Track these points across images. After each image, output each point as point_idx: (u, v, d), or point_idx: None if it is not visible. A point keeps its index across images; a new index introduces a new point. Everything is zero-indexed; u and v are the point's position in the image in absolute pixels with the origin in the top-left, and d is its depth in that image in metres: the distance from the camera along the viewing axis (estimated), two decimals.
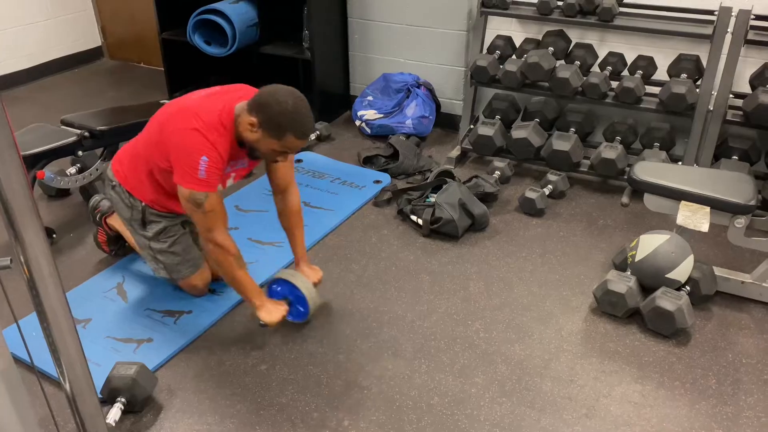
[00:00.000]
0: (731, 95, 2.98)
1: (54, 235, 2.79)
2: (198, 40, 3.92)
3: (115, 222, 2.58)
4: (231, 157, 2.06)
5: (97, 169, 2.97)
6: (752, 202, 2.23)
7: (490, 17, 3.45)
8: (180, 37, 4.09)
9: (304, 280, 2.24)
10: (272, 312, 2.16)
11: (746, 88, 3.03)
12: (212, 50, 3.91)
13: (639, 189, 2.43)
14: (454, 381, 2.08)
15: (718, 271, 2.44)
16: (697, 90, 2.99)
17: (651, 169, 2.44)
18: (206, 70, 4.49)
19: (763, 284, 2.39)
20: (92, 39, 5.23)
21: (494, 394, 2.02)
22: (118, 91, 4.67)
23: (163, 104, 3.29)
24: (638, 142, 3.25)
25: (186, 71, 4.42)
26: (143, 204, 2.26)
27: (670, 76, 3.10)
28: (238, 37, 3.76)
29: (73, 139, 2.76)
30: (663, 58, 3.18)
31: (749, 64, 3.06)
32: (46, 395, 1.39)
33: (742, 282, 2.42)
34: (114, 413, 1.86)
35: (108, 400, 1.91)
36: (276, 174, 2.26)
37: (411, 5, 3.71)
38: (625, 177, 3.05)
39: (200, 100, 2.06)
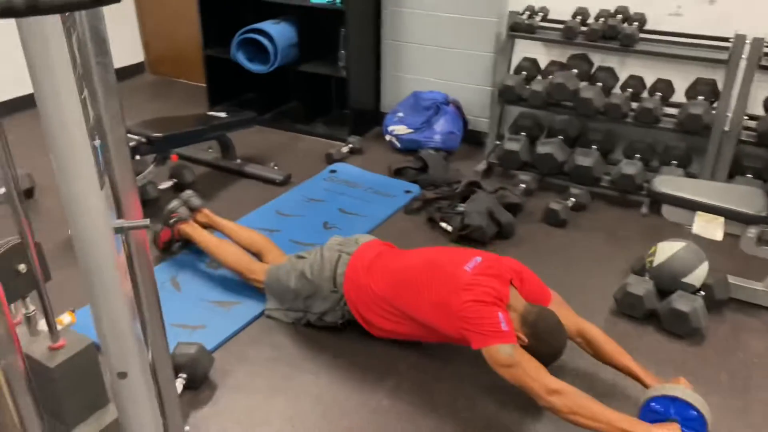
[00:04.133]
0: (746, 117, 3.17)
1: None
2: (241, 58, 4.17)
3: (189, 230, 2.76)
4: None
5: (149, 173, 3.20)
6: (763, 213, 2.40)
7: (516, 40, 3.68)
8: (221, 54, 4.35)
9: (695, 396, 1.88)
10: None
11: (760, 111, 3.21)
12: (255, 67, 4.16)
13: (658, 200, 2.61)
14: (481, 374, 2.26)
15: (733, 279, 2.61)
16: (713, 111, 3.18)
17: (670, 182, 2.63)
18: (245, 86, 4.75)
19: None
20: (135, 55, 5.54)
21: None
22: (159, 104, 4.92)
23: (211, 116, 3.57)
24: (656, 160, 3.43)
25: (226, 86, 4.69)
26: (348, 314, 2.31)
27: (687, 99, 3.29)
28: (280, 55, 4.01)
29: (131, 144, 3.00)
30: (681, 81, 3.37)
31: (763, 87, 3.24)
32: None
33: (755, 290, 2.59)
34: (176, 386, 2.06)
35: None
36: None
37: (442, 28, 3.95)
38: (644, 191, 3.24)
39: (480, 277, 2.02)
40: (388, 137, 4.07)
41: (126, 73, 5.48)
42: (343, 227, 3.12)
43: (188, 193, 2.86)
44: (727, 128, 3.18)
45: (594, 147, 3.48)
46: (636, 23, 3.30)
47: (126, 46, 5.43)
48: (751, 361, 2.33)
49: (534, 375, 1.88)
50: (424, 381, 2.22)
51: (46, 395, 1.32)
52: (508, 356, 1.89)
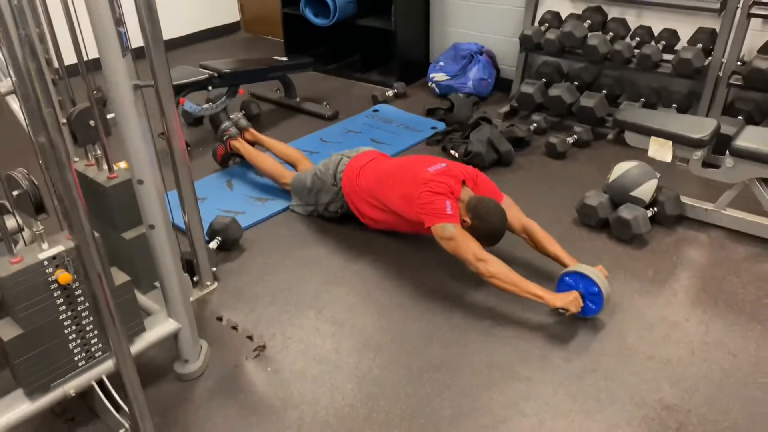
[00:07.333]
0: (738, 63, 3.42)
1: (189, 147, 3.83)
2: (308, 13, 4.86)
3: (238, 144, 3.51)
4: None
5: (222, 103, 3.97)
6: (706, 138, 2.75)
7: None
8: (296, 11, 5.06)
9: (601, 277, 2.34)
10: (570, 301, 2.31)
11: None
12: (318, 21, 4.84)
13: (620, 127, 3.01)
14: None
15: (687, 200, 2.97)
16: (709, 58, 3.46)
17: (631, 111, 3.02)
18: (315, 41, 5.44)
19: (723, 211, 2.89)
20: (232, 15, 6.40)
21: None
22: (249, 56, 5.74)
23: (274, 59, 4.30)
24: (660, 104, 3.75)
25: (301, 41, 5.39)
26: (345, 206, 2.93)
27: (688, 46, 3.58)
28: (339, 10, 4.66)
29: (205, 76, 3.78)
30: (687, 30, 3.64)
31: (764, 36, 3.46)
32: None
33: (706, 209, 2.93)
34: (213, 244, 2.80)
35: (210, 237, 2.85)
36: (510, 221, 2.57)
37: None
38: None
39: (437, 176, 2.56)
40: (430, 84, 4.61)
41: (224, 30, 6.36)
42: None
43: (237, 115, 3.60)
44: (720, 73, 3.45)
45: (603, 92, 3.85)
46: None
47: (225, 7, 6.30)
48: (681, 263, 2.72)
49: (466, 247, 2.41)
50: (397, 257, 2.83)
51: (104, 209, 2.07)
52: (449, 232, 2.44)
